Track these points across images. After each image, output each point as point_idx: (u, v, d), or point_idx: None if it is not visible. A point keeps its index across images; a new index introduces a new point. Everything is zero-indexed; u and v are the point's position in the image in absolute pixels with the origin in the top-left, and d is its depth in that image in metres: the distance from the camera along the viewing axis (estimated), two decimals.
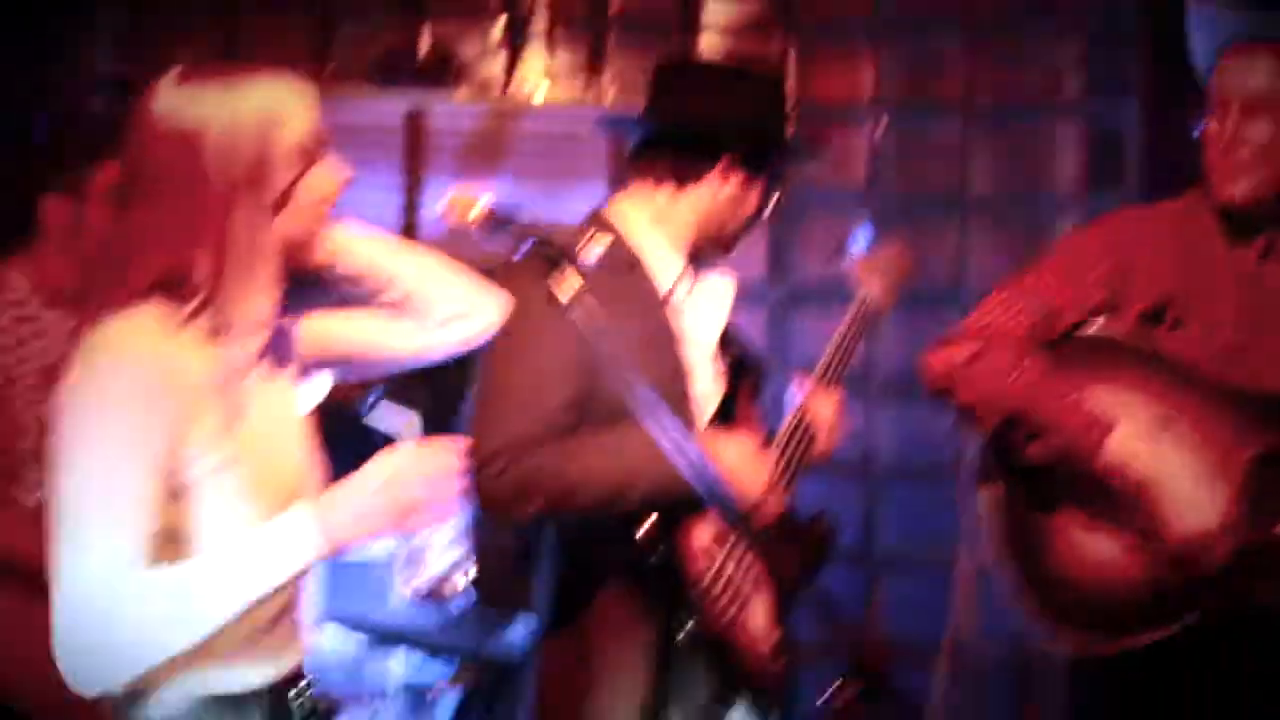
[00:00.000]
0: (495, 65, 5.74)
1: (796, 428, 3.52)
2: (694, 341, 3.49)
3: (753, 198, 3.53)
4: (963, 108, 5.68)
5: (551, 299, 2.58)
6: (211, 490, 2.32)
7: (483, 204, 2.59)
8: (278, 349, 2.50)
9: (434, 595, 2.69)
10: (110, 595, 2.22)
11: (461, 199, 2.60)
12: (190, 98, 2.35)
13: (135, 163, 2.37)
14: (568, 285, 2.60)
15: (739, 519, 3.03)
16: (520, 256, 2.60)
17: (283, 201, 2.36)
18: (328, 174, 2.40)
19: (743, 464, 3.33)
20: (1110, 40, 5.57)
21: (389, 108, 5.66)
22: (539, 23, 5.75)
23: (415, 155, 5.62)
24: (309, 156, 2.38)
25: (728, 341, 3.56)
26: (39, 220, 3.68)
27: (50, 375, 3.56)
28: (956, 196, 5.64)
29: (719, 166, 3.47)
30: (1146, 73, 5.43)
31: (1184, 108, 3.60)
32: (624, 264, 3.39)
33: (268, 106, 2.35)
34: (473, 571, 3.03)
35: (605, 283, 2.73)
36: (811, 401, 3.55)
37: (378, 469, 2.32)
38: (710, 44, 5.77)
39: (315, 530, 2.29)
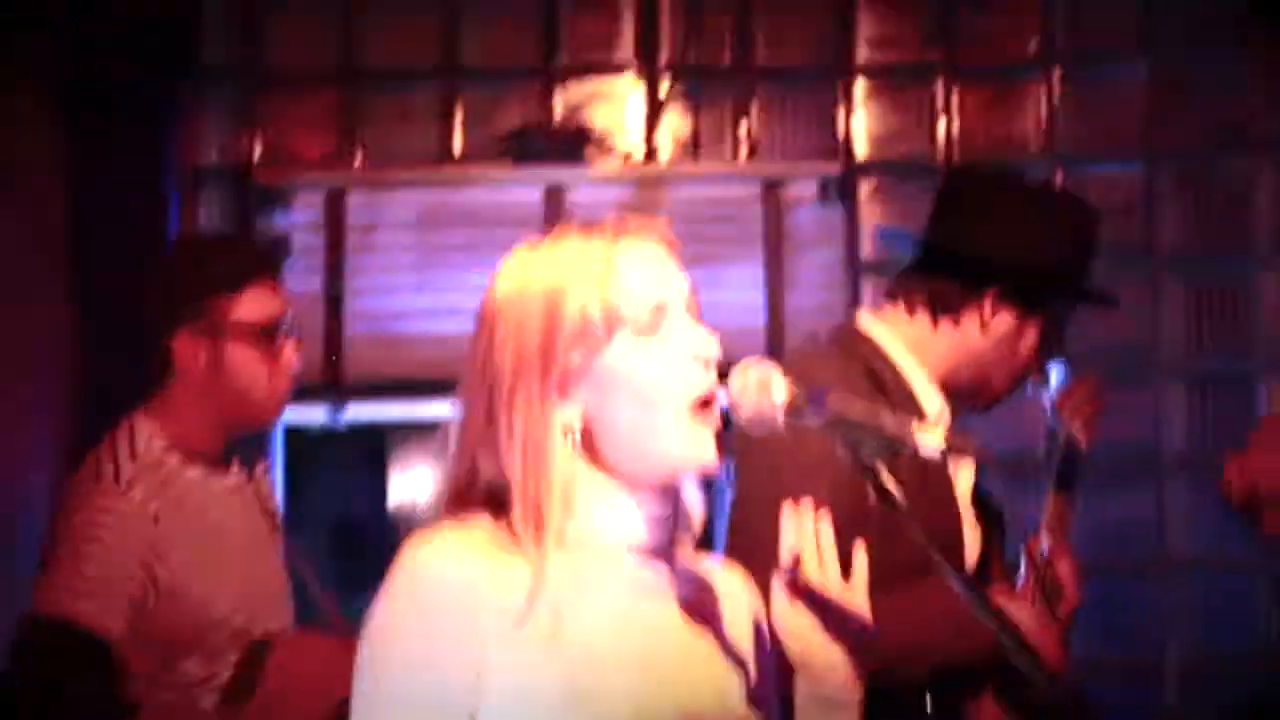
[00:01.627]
0: (633, 132, 5.31)
1: (1044, 587, 3.13)
2: (960, 481, 3.08)
3: (1026, 345, 3.08)
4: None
5: (885, 495, 2.03)
6: None
7: (786, 385, 2.04)
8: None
9: None
10: None
11: (760, 375, 2.02)
12: (504, 270, 2.04)
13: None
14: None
15: (1042, 686, 2.70)
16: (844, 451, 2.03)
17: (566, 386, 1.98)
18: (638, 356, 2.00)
19: (1035, 627, 2.95)
20: None
21: (524, 187, 5.22)
22: (677, 80, 5.31)
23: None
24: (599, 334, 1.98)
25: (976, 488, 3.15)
26: (168, 366, 3.22)
27: (202, 550, 3.19)
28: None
29: (986, 299, 3.04)
30: None
31: None
32: (900, 392, 2.98)
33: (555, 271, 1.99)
34: None
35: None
36: (1053, 558, 3.17)
37: None
38: (863, 89, 5.32)
39: None
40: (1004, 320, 3.05)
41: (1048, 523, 3.22)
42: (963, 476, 3.10)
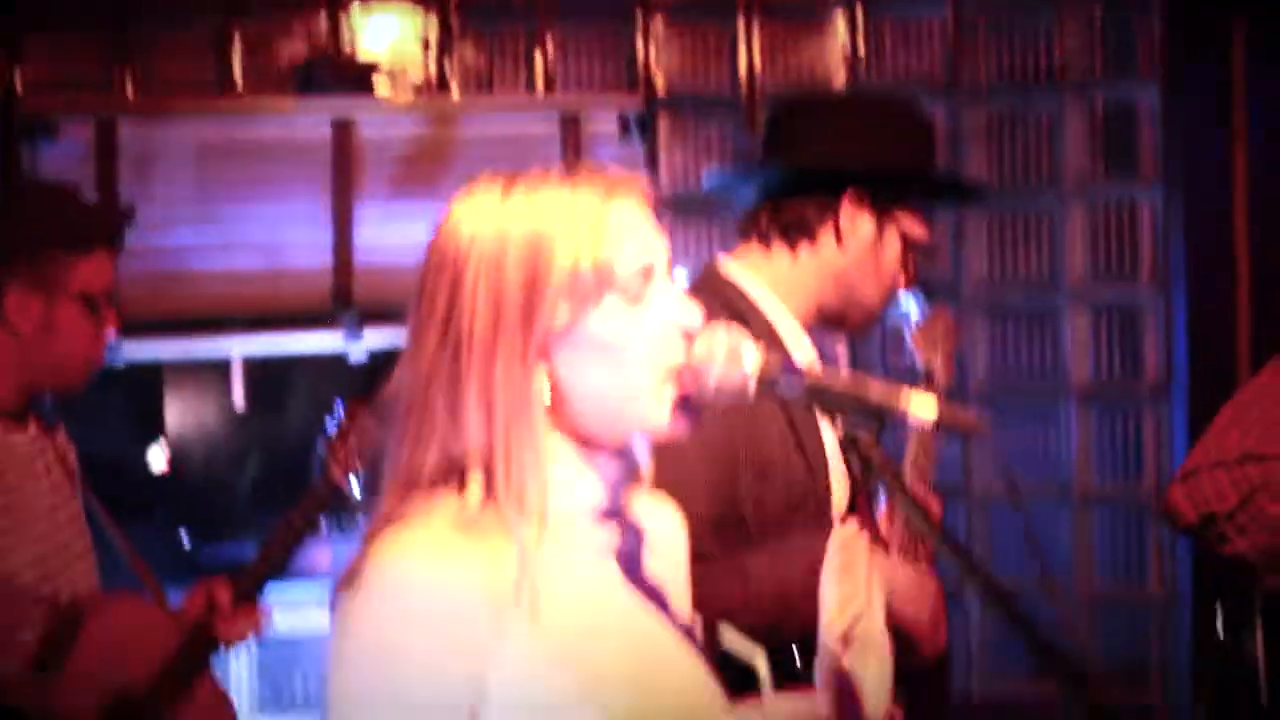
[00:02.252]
0: (424, 64, 5.16)
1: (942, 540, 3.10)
2: (826, 431, 3.01)
3: (889, 254, 3.00)
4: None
5: (868, 466, 1.90)
6: None
7: (760, 354, 1.91)
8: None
9: None
10: None
11: (730, 342, 1.90)
12: (470, 211, 1.86)
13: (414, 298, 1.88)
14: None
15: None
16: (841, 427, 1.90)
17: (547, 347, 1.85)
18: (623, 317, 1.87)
19: (914, 586, 2.91)
20: None
21: (311, 119, 5.01)
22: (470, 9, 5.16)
23: (345, 173, 5.00)
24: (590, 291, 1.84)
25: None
26: None
27: (2, 512, 3.01)
28: None
29: (841, 209, 2.97)
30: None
31: None
32: (766, 337, 2.90)
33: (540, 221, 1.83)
34: None
35: None
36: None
37: None
38: (662, 22, 5.22)
39: None
40: (863, 228, 2.97)
41: (911, 461, 3.17)
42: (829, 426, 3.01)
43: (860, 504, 3.12)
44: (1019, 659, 4.80)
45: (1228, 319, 4.84)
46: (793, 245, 2.98)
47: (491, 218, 1.84)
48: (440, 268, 1.86)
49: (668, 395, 1.87)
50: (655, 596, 1.98)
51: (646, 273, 1.87)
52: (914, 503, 1.87)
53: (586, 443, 1.89)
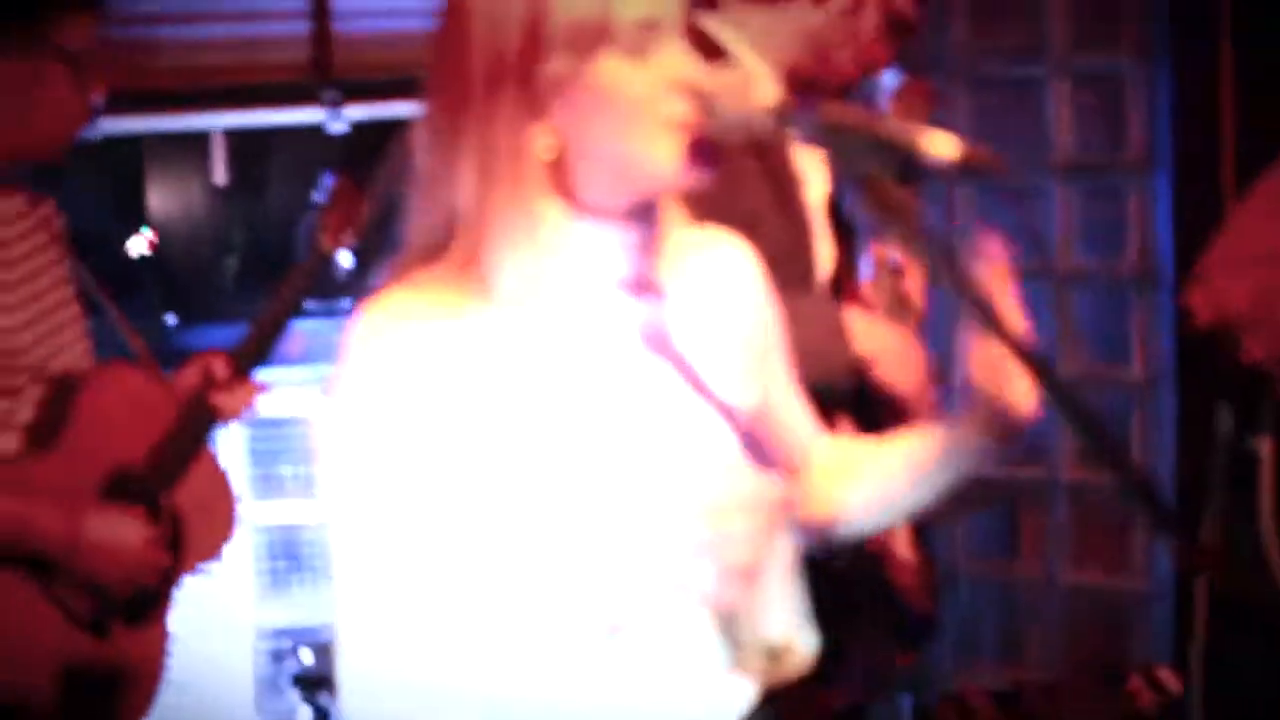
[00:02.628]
0: None
1: (892, 296, 3.08)
2: (812, 192, 2.97)
3: (870, 15, 2.93)
4: None
5: (887, 206, 1.77)
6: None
7: (771, 82, 1.85)
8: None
9: None
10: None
11: (744, 77, 1.83)
12: None
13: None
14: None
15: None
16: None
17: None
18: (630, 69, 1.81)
19: (900, 349, 2.89)
20: None
21: None
22: None
23: None
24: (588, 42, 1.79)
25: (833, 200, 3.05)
26: None
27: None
28: None
29: None
30: None
31: None
32: None
33: None
34: None
35: None
36: (901, 267, 3.11)
37: None
38: None
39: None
40: None
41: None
42: (815, 185, 2.98)
43: (844, 270, 3.10)
44: None
45: (1212, 92, 4.79)
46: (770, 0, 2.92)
47: None
48: (448, 15, 1.83)
49: (673, 145, 1.81)
50: (684, 368, 1.94)
51: (649, 25, 1.81)
52: (937, 241, 1.75)
53: (596, 210, 1.85)
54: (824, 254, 2.99)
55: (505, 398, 1.80)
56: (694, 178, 1.83)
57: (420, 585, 1.77)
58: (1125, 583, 4.95)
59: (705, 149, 1.82)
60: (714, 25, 2.93)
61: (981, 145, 1.71)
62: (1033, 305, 4.90)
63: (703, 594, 1.71)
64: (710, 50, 2.81)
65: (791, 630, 1.84)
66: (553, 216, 1.82)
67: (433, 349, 1.78)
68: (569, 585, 1.75)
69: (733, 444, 1.93)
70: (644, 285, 1.91)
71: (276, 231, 5.32)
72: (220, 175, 5.36)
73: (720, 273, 2.02)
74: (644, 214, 1.88)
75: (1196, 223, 4.40)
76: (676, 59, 1.82)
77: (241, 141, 5.32)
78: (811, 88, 2.95)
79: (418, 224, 1.85)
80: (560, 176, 1.82)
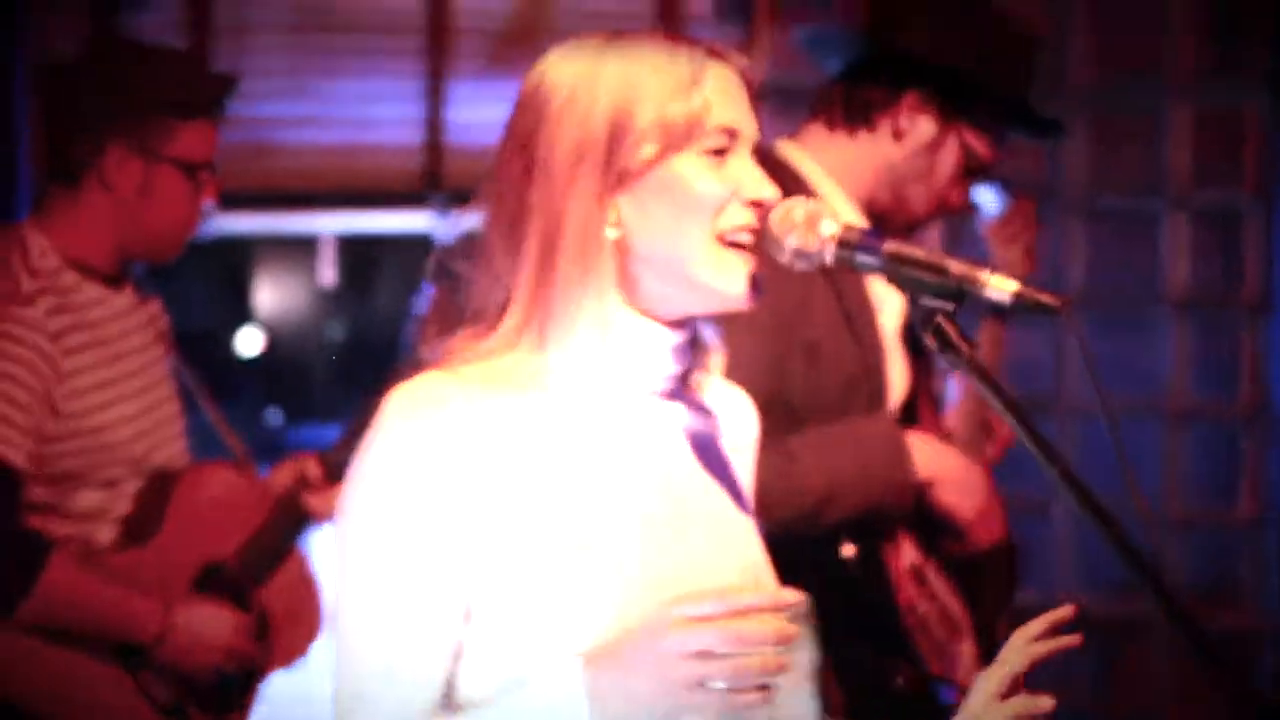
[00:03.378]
0: None
1: (976, 421, 3.06)
2: (885, 317, 2.97)
3: (946, 161, 2.95)
4: None
5: (946, 342, 1.79)
6: (517, 596, 1.77)
7: (832, 219, 1.83)
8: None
9: None
10: None
11: (809, 210, 1.82)
12: (566, 51, 1.85)
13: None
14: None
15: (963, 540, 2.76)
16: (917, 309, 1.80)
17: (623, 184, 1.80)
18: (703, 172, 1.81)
19: (963, 475, 2.87)
20: None
21: None
22: None
23: (438, 46, 4.95)
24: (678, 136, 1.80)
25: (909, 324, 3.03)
26: (87, 173, 3.01)
27: (101, 372, 3.00)
28: None
29: (904, 103, 2.91)
30: None
31: None
32: None
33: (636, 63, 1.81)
34: None
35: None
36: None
37: (650, 630, 1.71)
38: None
39: (584, 706, 1.71)
40: (923, 128, 2.92)
41: (984, 349, 3.13)
42: (889, 310, 2.98)
43: (921, 395, 3.09)
44: (1104, 574, 4.76)
45: None
46: (852, 130, 2.93)
47: (587, 57, 1.82)
48: (528, 103, 1.83)
49: (739, 264, 1.82)
50: (727, 481, 1.95)
51: (732, 135, 1.82)
52: (995, 385, 1.77)
53: (656, 305, 1.84)
54: (896, 378, 2.98)
55: (538, 484, 1.78)
56: (748, 300, 1.83)
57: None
58: None
59: (754, 280, 1.83)
60: (792, 151, 2.95)
61: (1071, 283, 1.72)
62: (1141, 441, 4.83)
63: (719, 697, 1.69)
64: (786, 177, 2.82)
65: None
66: (611, 302, 1.82)
67: (463, 434, 1.75)
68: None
69: (759, 554, 1.93)
70: (680, 394, 1.91)
71: (380, 334, 5.35)
72: (327, 277, 5.40)
73: (738, 414, 2.03)
74: (691, 328, 1.88)
75: None
76: (750, 170, 1.84)
77: (349, 246, 5.36)
78: (884, 222, 2.96)
79: (475, 305, 1.84)
80: (624, 275, 1.82)
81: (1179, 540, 4.97)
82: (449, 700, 1.78)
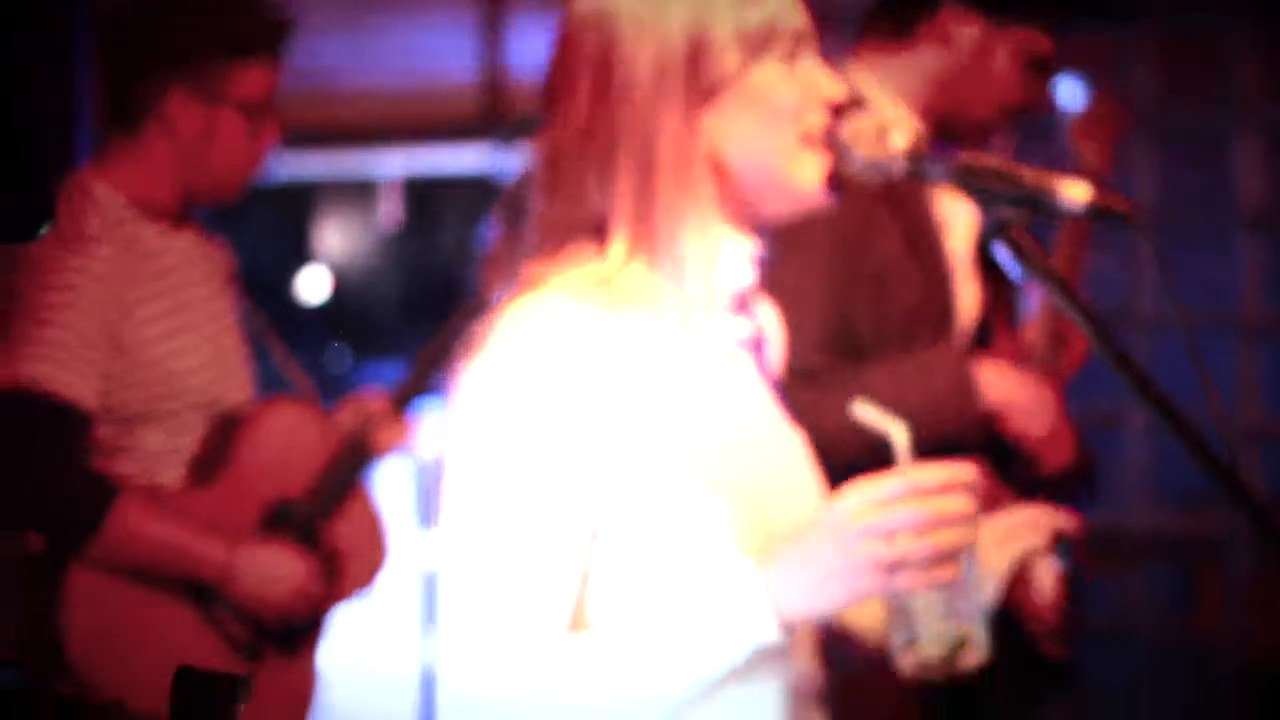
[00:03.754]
0: None
1: (1095, 330, 3.03)
2: (954, 240, 2.93)
3: (1001, 58, 2.90)
4: None
5: (1021, 253, 1.77)
6: (643, 523, 1.76)
7: (906, 129, 1.81)
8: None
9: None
10: (527, 673, 1.73)
11: (873, 120, 1.81)
12: None
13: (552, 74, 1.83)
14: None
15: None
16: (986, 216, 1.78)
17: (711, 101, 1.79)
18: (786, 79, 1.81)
19: (1032, 401, 2.84)
20: None
21: None
22: None
23: None
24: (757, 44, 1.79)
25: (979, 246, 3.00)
26: (148, 117, 3.01)
27: (168, 312, 3.01)
28: None
29: (944, 10, 2.86)
30: None
31: None
32: None
33: None
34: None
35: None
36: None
37: (831, 517, 1.70)
38: None
39: (766, 607, 1.70)
40: (968, 34, 2.87)
41: (1060, 263, 3.10)
42: (960, 227, 2.94)
43: (997, 314, 3.06)
44: (1178, 489, 4.73)
45: None
46: (900, 44, 2.89)
47: None
48: (592, 21, 1.80)
49: (818, 161, 1.81)
50: (779, 392, 1.95)
51: (799, 38, 1.81)
52: (1071, 295, 1.75)
53: (738, 214, 1.83)
54: (967, 301, 2.95)
55: (655, 408, 1.77)
56: (827, 199, 1.83)
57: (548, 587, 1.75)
58: None
59: (837, 177, 1.82)
60: (851, 72, 2.92)
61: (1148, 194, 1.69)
62: (1214, 355, 4.80)
63: (914, 576, 1.68)
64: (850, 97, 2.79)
65: (972, 624, 1.78)
66: (712, 217, 1.81)
67: (585, 352, 1.74)
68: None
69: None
70: (745, 303, 1.91)
71: (442, 274, 5.36)
72: (390, 219, 5.41)
73: (775, 330, 2.03)
74: (765, 231, 1.88)
75: None
76: (820, 73, 1.83)
77: (410, 188, 5.37)
78: (950, 130, 2.91)
79: (554, 226, 1.82)
80: (717, 178, 1.81)
81: (1252, 451, 4.95)
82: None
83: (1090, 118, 3.30)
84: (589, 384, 1.73)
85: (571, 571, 1.74)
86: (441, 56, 4.91)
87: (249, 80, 3.02)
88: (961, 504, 1.68)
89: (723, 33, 1.77)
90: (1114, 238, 4.80)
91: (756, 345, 1.94)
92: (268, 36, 3.07)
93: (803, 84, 1.81)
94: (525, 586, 1.73)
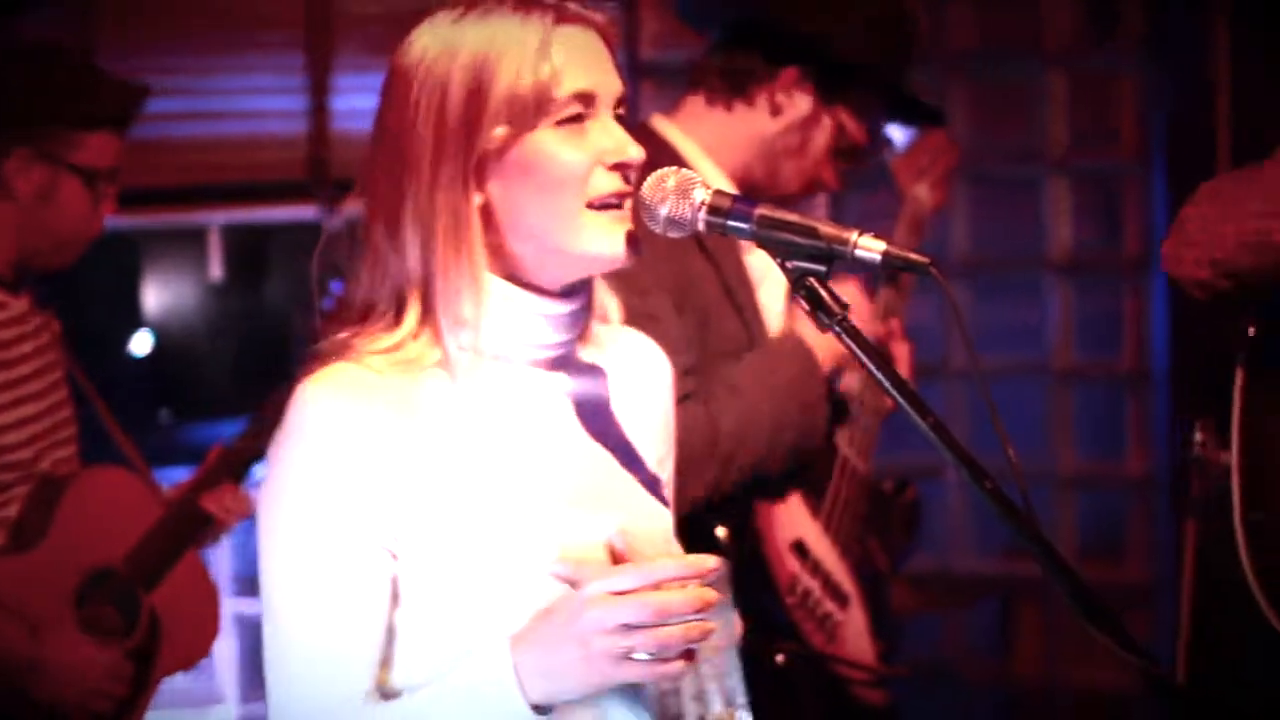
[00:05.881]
0: None
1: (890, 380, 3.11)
2: (764, 293, 3.00)
3: (822, 136, 2.96)
4: None
5: (818, 304, 1.81)
6: (440, 577, 1.82)
7: (704, 187, 1.85)
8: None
9: None
10: None
11: (680, 179, 1.85)
12: (423, 33, 1.86)
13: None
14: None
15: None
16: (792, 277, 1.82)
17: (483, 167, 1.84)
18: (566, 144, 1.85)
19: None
20: None
21: None
22: None
23: (320, 35, 4.93)
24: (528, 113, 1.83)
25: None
26: None
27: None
28: None
29: (780, 80, 2.92)
30: None
31: None
32: None
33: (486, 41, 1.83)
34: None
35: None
36: (886, 339, 3.13)
37: (570, 606, 1.75)
38: None
39: (514, 690, 1.75)
40: (799, 105, 2.95)
41: (883, 301, 3.16)
42: (772, 280, 3.00)
43: None
44: (999, 537, 4.81)
45: None
46: (729, 102, 2.94)
47: (440, 37, 1.84)
48: (390, 87, 1.87)
49: (612, 225, 1.86)
50: (618, 444, 1.98)
51: (587, 100, 1.86)
52: (866, 345, 1.80)
53: (530, 284, 1.88)
54: None
55: (455, 468, 1.82)
56: (625, 260, 1.87)
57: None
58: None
59: (632, 237, 1.87)
60: (666, 126, 2.97)
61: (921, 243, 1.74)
62: (1029, 402, 4.88)
63: (645, 668, 1.72)
64: (660, 151, 2.85)
65: (733, 708, 1.84)
66: (495, 286, 1.86)
67: (380, 421, 1.80)
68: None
69: (667, 521, 1.98)
70: (569, 361, 1.95)
71: (272, 327, 5.31)
72: (216, 271, 5.38)
73: (642, 365, 2.06)
74: (577, 292, 1.92)
75: (1190, 320, 4.41)
76: (612, 133, 1.87)
77: (237, 238, 5.33)
78: (757, 194, 2.98)
79: (364, 296, 1.87)
80: (499, 248, 1.86)
81: (1068, 497, 5.05)
82: (386, 689, 1.82)
83: (915, 154, 3.35)
84: (382, 451, 1.79)
85: (371, 635, 1.80)
86: (269, 113, 4.90)
87: (93, 147, 3.01)
88: (692, 597, 1.72)
89: (495, 102, 1.81)
90: (930, 289, 4.92)
91: (596, 388, 1.97)
92: (112, 108, 3.06)
93: (587, 149, 1.85)
94: (326, 652, 1.79)
